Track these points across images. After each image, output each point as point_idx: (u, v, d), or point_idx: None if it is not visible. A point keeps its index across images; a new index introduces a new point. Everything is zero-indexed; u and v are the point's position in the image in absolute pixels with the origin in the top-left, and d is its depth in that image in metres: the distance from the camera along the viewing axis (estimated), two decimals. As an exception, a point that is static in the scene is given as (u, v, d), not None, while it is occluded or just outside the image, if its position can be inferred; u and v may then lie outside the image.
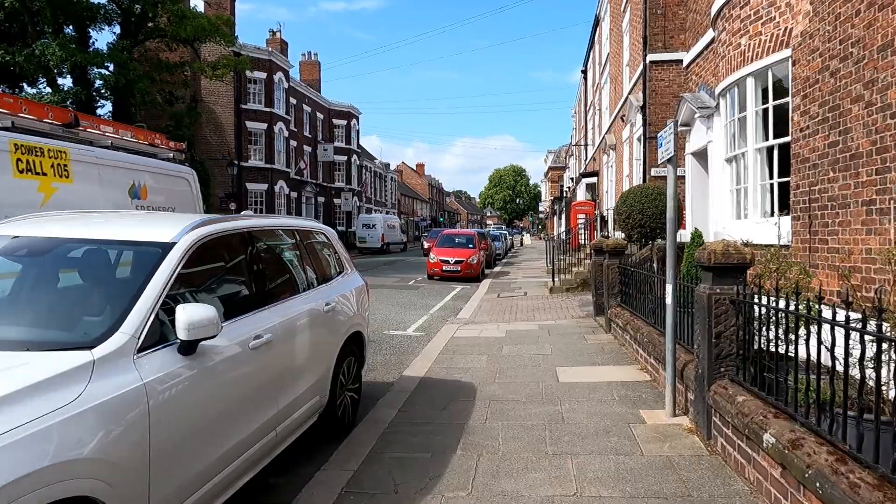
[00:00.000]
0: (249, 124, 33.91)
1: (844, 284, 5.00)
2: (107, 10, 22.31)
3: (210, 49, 26.65)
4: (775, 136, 6.92)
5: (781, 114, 6.80)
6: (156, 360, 2.66)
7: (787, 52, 6.47)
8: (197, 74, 27.04)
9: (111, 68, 21.51)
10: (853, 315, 2.78)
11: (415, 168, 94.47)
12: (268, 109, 34.65)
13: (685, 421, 4.83)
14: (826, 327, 3.00)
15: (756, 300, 3.88)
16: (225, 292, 3.60)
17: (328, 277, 5.07)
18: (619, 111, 18.79)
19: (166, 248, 3.06)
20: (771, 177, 7.05)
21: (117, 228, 3.45)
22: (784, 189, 6.68)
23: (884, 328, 2.63)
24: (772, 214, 7.02)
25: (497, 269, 25.34)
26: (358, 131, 51.04)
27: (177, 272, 2.98)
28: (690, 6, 12.20)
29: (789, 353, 3.46)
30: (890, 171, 4.66)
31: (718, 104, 8.47)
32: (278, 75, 35.79)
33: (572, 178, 38.95)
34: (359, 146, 52.40)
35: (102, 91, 22.42)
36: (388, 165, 67.62)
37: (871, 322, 2.67)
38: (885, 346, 2.66)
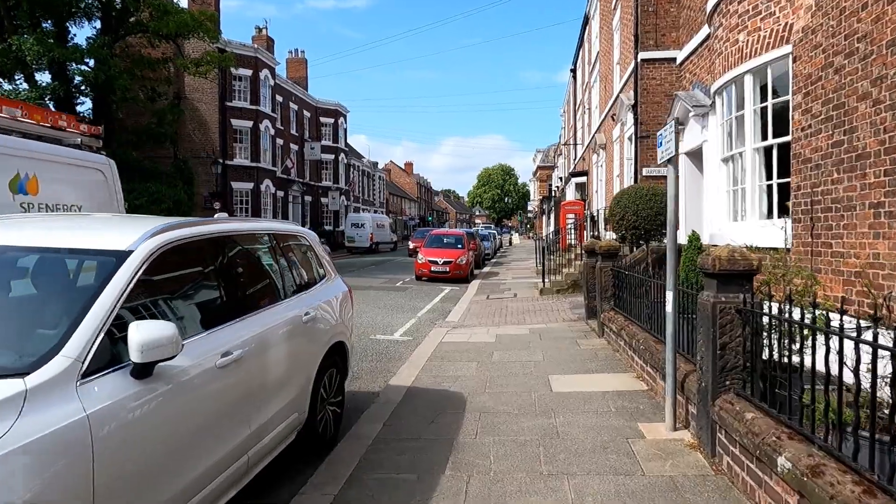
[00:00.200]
0: (235, 122, 33.31)
1: (860, 293, 4.78)
2: (87, 4, 21.73)
3: (194, 45, 26.06)
4: (775, 136, 6.70)
5: (781, 112, 6.57)
6: (104, 387, 2.34)
7: (787, 49, 6.24)
8: (180, 71, 26.45)
9: (91, 64, 20.98)
10: (882, 332, 2.53)
11: (403, 167, 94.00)
12: (253, 107, 34.05)
13: (686, 436, 4.57)
14: (849, 343, 2.75)
15: (766, 310, 3.63)
16: (190, 305, 3.27)
17: (308, 284, 4.75)
18: (609, 110, 18.58)
19: (122, 256, 2.73)
20: (770, 177, 6.82)
21: (66, 234, 3.07)
22: (784, 190, 6.45)
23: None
24: (770, 216, 6.80)
25: (486, 269, 25.10)
26: (345, 130, 50.54)
27: (132, 284, 2.66)
28: (684, 3, 11.99)
29: (802, 367, 3.22)
30: (901, 173, 4.44)
31: (714, 102, 8.24)
32: (264, 72, 35.23)
33: (561, 178, 38.81)
34: (346, 145, 51.90)
35: (82, 87, 21.82)
36: (376, 164, 67.13)
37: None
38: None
